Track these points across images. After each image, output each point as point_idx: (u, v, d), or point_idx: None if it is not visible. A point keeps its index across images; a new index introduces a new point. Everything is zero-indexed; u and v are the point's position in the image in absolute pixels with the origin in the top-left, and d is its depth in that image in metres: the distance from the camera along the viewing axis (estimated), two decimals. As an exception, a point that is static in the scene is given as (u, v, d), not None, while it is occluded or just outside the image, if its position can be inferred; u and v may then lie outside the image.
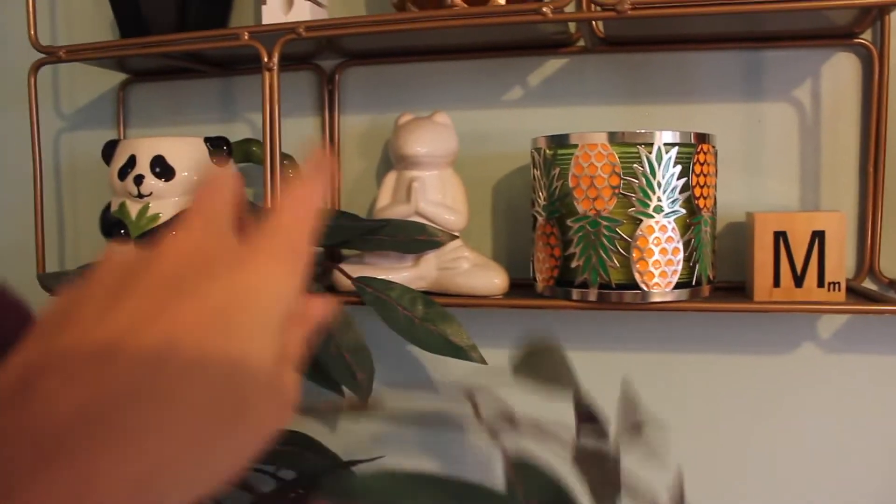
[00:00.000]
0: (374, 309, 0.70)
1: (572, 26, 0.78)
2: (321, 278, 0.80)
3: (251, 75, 0.91)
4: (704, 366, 0.82)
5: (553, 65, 0.83)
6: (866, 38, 0.76)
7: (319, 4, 0.79)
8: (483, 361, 0.69)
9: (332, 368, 0.68)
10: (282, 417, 0.29)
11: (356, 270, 0.75)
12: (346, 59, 0.87)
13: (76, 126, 0.98)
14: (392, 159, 0.79)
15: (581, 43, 0.81)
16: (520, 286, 0.77)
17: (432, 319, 0.70)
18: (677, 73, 0.80)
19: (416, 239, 0.74)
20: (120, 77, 0.95)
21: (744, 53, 0.79)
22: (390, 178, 0.79)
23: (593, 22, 0.76)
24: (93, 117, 0.97)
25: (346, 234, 0.74)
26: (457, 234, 0.76)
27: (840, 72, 0.78)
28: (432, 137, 0.76)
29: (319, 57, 0.88)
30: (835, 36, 0.77)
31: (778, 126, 0.79)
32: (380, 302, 0.71)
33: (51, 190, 0.98)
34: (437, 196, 0.76)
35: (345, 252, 0.85)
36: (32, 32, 0.80)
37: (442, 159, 0.77)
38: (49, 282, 0.81)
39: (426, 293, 0.73)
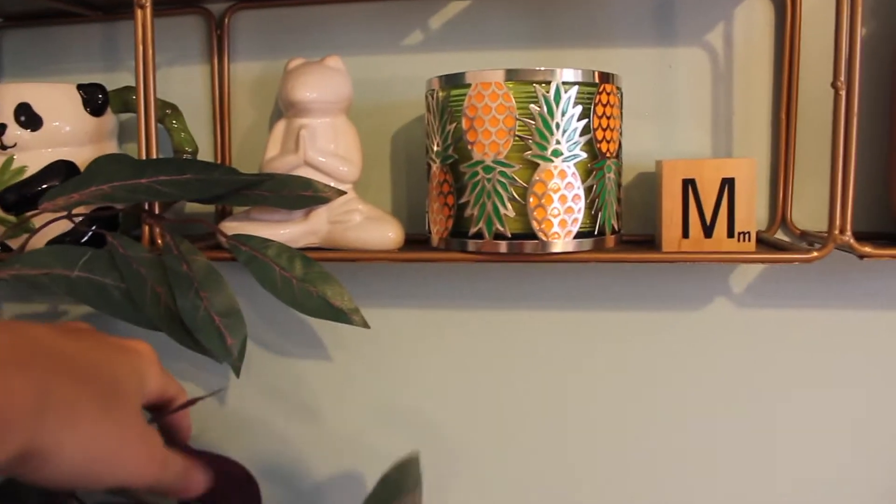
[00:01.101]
0: (248, 269, 0.65)
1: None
2: (207, 237, 0.74)
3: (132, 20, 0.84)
4: (611, 322, 0.79)
5: (455, 6, 0.78)
6: (779, -21, 0.73)
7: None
8: (365, 325, 0.65)
9: (200, 332, 0.63)
10: (149, 457, 0.43)
11: (240, 227, 0.70)
12: (235, 1, 0.81)
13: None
14: (281, 107, 0.73)
15: (485, -16, 0.76)
16: (419, 241, 0.72)
17: (312, 280, 0.65)
18: (584, 16, 0.76)
19: (300, 195, 0.68)
20: (-7, 23, 0.87)
21: (654, -5, 0.75)
22: (279, 128, 0.73)
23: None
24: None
25: (221, 188, 0.68)
26: (348, 185, 0.71)
27: (753, 16, 0.74)
28: (323, 82, 0.70)
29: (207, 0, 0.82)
30: (747, -24, 0.73)
31: (689, 71, 0.75)
32: (255, 261, 0.66)
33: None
34: (329, 145, 0.71)
35: (235, 210, 0.79)
36: None
37: (334, 106, 0.71)
38: None
39: (310, 249, 0.68)
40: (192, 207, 0.83)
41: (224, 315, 0.65)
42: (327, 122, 0.71)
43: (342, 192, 0.70)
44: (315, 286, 0.65)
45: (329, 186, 0.69)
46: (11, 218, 0.71)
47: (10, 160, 0.71)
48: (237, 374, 0.65)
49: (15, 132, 0.70)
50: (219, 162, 0.82)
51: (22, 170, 0.71)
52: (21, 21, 0.87)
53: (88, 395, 0.40)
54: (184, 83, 0.83)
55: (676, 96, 0.75)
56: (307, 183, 0.69)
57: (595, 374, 0.79)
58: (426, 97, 0.68)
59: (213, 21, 0.82)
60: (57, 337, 0.42)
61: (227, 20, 0.81)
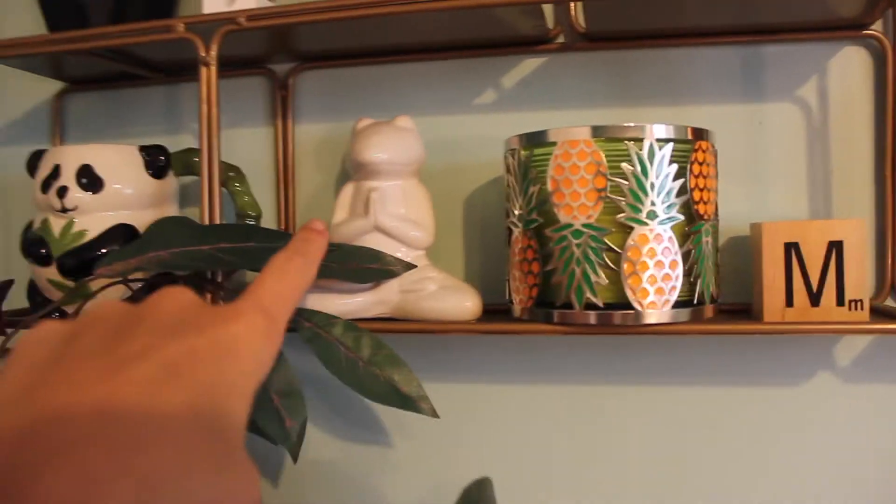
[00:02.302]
0: (311, 347, 0.61)
1: (550, 21, 0.70)
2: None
3: (196, 83, 0.82)
4: (707, 398, 0.72)
5: (529, 64, 0.75)
6: (877, 28, 0.68)
7: (268, -2, 0.71)
8: (434, 414, 0.60)
9: (258, 412, 0.58)
10: (254, 491, 0.29)
11: (308, 293, 0.66)
12: (300, 62, 0.79)
13: (8, 140, 0.89)
14: (349, 169, 0.70)
15: (560, 40, 0.73)
16: (496, 312, 0.67)
17: (379, 363, 0.60)
18: (667, 72, 0.72)
19: (368, 267, 0.64)
20: (56, 86, 0.86)
21: (741, 49, 0.71)
22: (347, 191, 0.70)
23: (573, 14, 0.68)
24: (26, 130, 0.88)
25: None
26: (420, 252, 0.67)
27: (849, 67, 0.69)
28: (393, 143, 0.67)
29: (272, 60, 0.80)
30: (842, 28, 0.69)
31: (781, 128, 0.70)
32: (319, 339, 0.61)
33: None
34: (400, 209, 0.67)
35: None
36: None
37: (405, 168, 0.68)
38: None
39: (381, 320, 0.64)
40: (253, 276, 0.80)
41: (283, 395, 0.60)
42: (398, 185, 0.68)
43: (412, 266, 0.65)
44: (382, 370, 0.61)
45: (398, 259, 0.65)
46: (69, 283, 0.68)
47: (70, 223, 0.68)
48: (294, 459, 0.61)
49: (76, 194, 0.68)
50: (283, 226, 0.79)
51: (82, 234, 0.68)
52: (85, 84, 0.86)
53: (192, 460, 0.27)
54: (247, 145, 0.80)
55: (768, 155, 0.71)
56: (375, 255, 0.65)
57: (687, 454, 0.73)
58: (505, 157, 0.64)
59: (277, 82, 0.80)
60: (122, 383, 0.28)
61: (291, 81, 0.79)
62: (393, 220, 0.66)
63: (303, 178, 0.79)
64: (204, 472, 0.27)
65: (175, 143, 0.75)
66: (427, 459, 0.78)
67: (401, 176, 0.68)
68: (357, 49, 0.76)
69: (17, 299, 0.74)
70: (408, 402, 0.60)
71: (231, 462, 0.28)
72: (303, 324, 0.63)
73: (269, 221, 0.79)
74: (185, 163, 0.73)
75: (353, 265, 0.64)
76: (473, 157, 0.75)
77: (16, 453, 0.25)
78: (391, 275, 0.65)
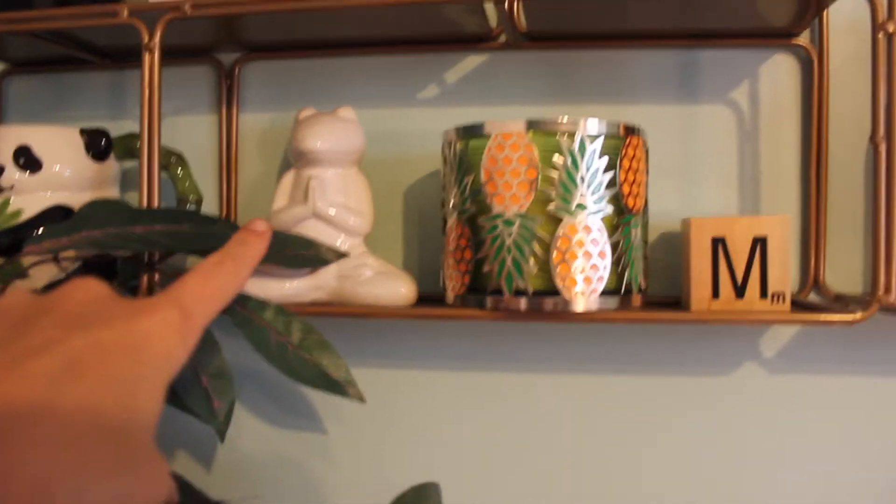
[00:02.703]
0: (242, 332, 0.61)
1: (493, 20, 0.72)
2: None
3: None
4: (634, 387, 0.74)
5: (472, 61, 0.76)
6: (804, 38, 0.71)
7: (215, -15, 0.71)
8: (361, 399, 0.60)
9: (186, 393, 0.59)
10: (160, 488, 0.29)
11: (245, 278, 0.66)
12: (246, 52, 0.79)
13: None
14: (290, 158, 0.70)
15: (502, 38, 0.75)
16: (432, 300, 0.68)
17: (308, 348, 0.61)
18: (606, 73, 0.74)
19: (301, 254, 0.65)
20: (-2, 68, 0.85)
21: (678, 52, 0.73)
22: (287, 178, 0.70)
23: (515, 13, 0.69)
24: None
25: (219, 242, 0.63)
26: (358, 239, 0.68)
27: (779, 74, 0.72)
28: (334, 132, 0.68)
29: (217, 50, 0.80)
30: (772, 35, 0.71)
31: (713, 129, 0.73)
32: (250, 324, 0.61)
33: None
34: (339, 197, 0.68)
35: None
36: None
37: (345, 157, 0.68)
38: None
39: (318, 304, 0.65)
40: (192, 260, 0.80)
41: (212, 377, 0.60)
42: (338, 174, 0.68)
43: (344, 255, 0.66)
44: (311, 354, 0.61)
45: (331, 249, 0.65)
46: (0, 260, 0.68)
47: (6, 202, 0.68)
48: (221, 438, 0.61)
49: (13, 174, 0.68)
50: (224, 213, 0.79)
51: (18, 213, 0.68)
52: (27, 67, 0.85)
53: (89, 460, 0.27)
54: (191, 132, 0.80)
55: (701, 154, 0.73)
56: (309, 243, 0.65)
57: (615, 441, 0.74)
58: (442, 149, 0.65)
59: (223, 71, 0.80)
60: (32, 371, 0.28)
61: (237, 70, 0.79)
62: (332, 208, 0.67)
63: (245, 166, 0.80)
64: (102, 471, 0.26)
65: (118, 129, 0.74)
66: (359, 445, 0.79)
67: (341, 165, 0.68)
68: (303, 41, 0.77)
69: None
70: (336, 387, 0.61)
71: (133, 461, 0.28)
72: (234, 308, 0.63)
73: (211, 208, 0.79)
74: (127, 147, 0.73)
75: (288, 251, 0.65)
76: (414, 149, 0.76)
77: None
78: (324, 262, 0.65)
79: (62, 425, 0.26)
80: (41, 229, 0.67)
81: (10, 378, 0.26)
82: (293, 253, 0.65)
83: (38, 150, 0.68)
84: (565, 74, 0.75)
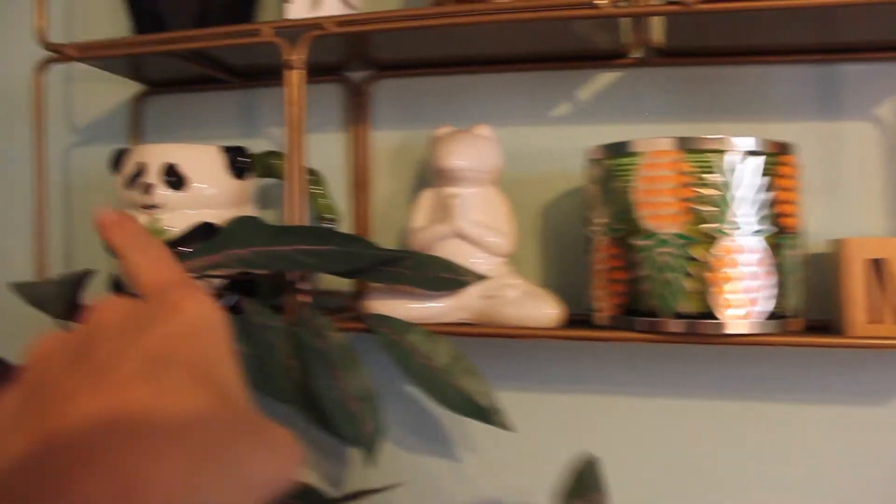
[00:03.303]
0: (388, 353, 0.61)
1: (626, 36, 0.71)
2: (341, 310, 0.71)
3: (275, 87, 0.84)
4: (789, 414, 0.72)
5: (605, 78, 0.76)
6: (958, 51, 0.69)
7: (350, 5, 0.72)
8: (507, 427, 0.60)
9: (335, 416, 0.59)
10: (281, 469, 0.27)
11: (385, 298, 0.67)
12: (376, 70, 0.80)
13: (88, 140, 0.91)
14: (429, 176, 0.71)
15: (636, 54, 0.74)
16: (574, 322, 0.67)
17: (455, 373, 0.61)
18: (743, 89, 0.73)
19: (440, 276, 0.65)
20: (135, 88, 0.88)
21: (819, 67, 0.72)
22: (426, 197, 0.71)
23: (650, 30, 0.68)
24: (105, 131, 0.90)
25: (362, 262, 0.65)
26: (500, 259, 0.68)
27: (927, 89, 0.70)
28: (474, 150, 0.68)
29: (348, 67, 0.81)
30: (921, 49, 0.69)
31: (858, 146, 0.71)
32: (395, 346, 0.62)
33: (59, 206, 0.91)
34: (480, 216, 0.68)
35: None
36: (41, 30, 0.74)
37: (485, 175, 0.69)
38: (22, 291, 0.73)
39: (461, 325, 0.64)
40: (324, 277, 0.81)
41: (360, 399, 0.61)
42: (478, 193, 0.69)
43: (483, 277, 0.66)
44: (458, 380, 0.61)
45: (470, 270, 0.65)
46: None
47: (155, 220, 0.70)
48: (369, 462, 0.61)
49: (161, 192, 0.69)
50: (357, 231, 0.80)
51: (165, 231, 0.70)
52: (163, 87, 0.88)
53: (223, 434, 0.26)
54: (323, 150, 0.81)
55: (844, 172, 0.71)
56: (448, 265, 0.65)
57: (764, 468, 0.72)
58: (586, 167, 0.65)
59: (354, 89, 0.81)
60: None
61: (368, 88, 0.80)
62: (474, 227, 0.67)
63: (377, 183, 0.81)
64: (222, 463, 0.25)
65: (250, 147, 0.76)
66: (496, 468, 0.78)
67: (481, 183, 0.69)
68: (432, 59, 0.77)
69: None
70: (482, 414, 0.61)
71: (258, 426, 0.27)
72: (379, 329, 0.63)
73: (343, 226, 0.80)
74: (265, 165, 0.75)
75: (427, 273, 0.65)
76: (547, 167, 0.76)
77: (46, 463, 0.23)
78: (462, 285, 0.66)
79: (168, 428, 0.25)
80: (191, 247, 0.68)
81: (99, 392, 0.25)
82: (433, 275, 0.65)
83: (184, 168, 0.70)
84: (700, 91, 0.74)
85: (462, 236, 0.67)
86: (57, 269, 0.86)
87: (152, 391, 0.25)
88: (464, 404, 0.61)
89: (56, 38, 0.75)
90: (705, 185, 0.58)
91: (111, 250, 0.35)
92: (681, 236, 0.58)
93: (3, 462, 0.24)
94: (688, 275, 0.58)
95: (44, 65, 0.75)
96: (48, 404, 0.25)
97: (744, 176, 0.58)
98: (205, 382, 0.27)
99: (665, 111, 0.74)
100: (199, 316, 0.30)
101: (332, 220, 0.75)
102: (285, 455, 0.28)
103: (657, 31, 0.70)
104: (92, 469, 0.23)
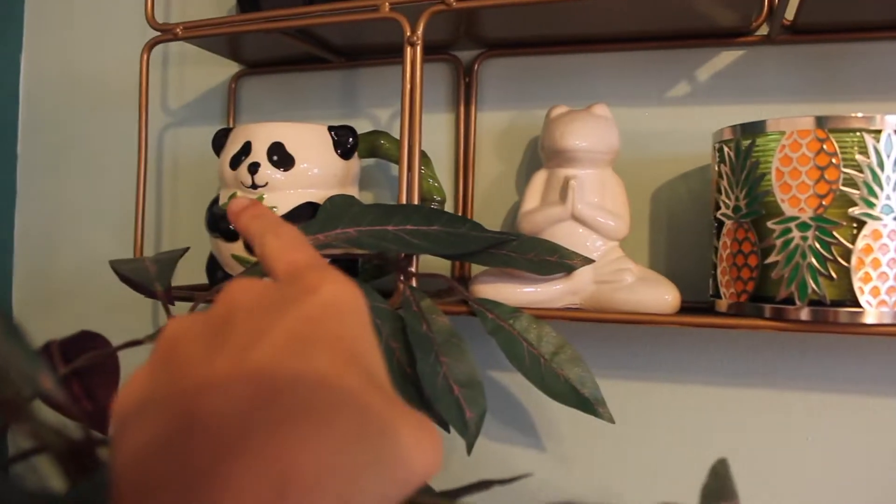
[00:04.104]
0: (495, 339, 0.59)
1: (754, 11, 0.67)
2: (443, 293, 0.69)
3: (375, 67, 0.83)
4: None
5: (726, 57, 0.72)
6: None
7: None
8: (611, 420, 0.58)
9: (438, 401, 0.57)
10: (431, 460, 0.25)
11: (494, 281, 0.65)
12: (485, 49, 0.78)
13: (183, 122, 0.91)
14: (542, 156, 0.68)
15: (761, 32, 0.70)
16: (689, 309, 0.64)
17: (560, 362, 0.58)
18: (873, 66, 0.68)
19: (546, 259, 0.63)
20: (232, 69, 0.87)
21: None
22: (539, 178, 0.68)
23: (782, 3, 0.65)
24: (201, 113, 0.90)
25: (470, 244, 0.62)
26: (614, 243, 0.65)
27: None
28: (592, 131, 0.65)
29: (456, 47, 0.79)
30: None
31: None
32: (502, 332, 0.60)
33: (152, 187, 0.91)
34: (596, 198, 0.65)
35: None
36: (149, 10, 0.73)
37: (602, 156, 0.66)
38: (119, 266, 0.72)
39: (572, 310, 0.62)
40: (426, 258, 0.79)
41: (464, 385, 0.59)
42: (594, 174, 0.66)
43: (590, 261, 0.63)
44: (563, 369, 0.59)
45: (577, 254, 0.63)
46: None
47: (260, 199, 0.69)
48: (469, 451, 0.59)
49: (267, 171, 0.68)
50: (461, 212, 0.78)
51: (273, 210, 0.68)
52: (260, 68, 0.87)
53: (355, 439, 0.24)
54: (429, 130, 0.79)
55: None
56: (553, 248, 0.63)
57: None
58: (716, 148, 0.61)
59: (461, 69, 0.79)
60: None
61: (476, 68, 0.78)
62: (591, 209, 0.64)
63: (483, 164, 0.78)
64: (388, 425, 0.24)
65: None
66: (601, 458, 0.75)
67: (598, 165, 0.66)
68: (543, 37, 0.75)
69: (195, 274, 0.75)
70: (586, 405, 0.58)
71: (406, 413, 0.26)
72: (485, 314, 0.61)
73: (447, 207, 0.78)
74: (372, 145, 0.73)
75: (532, 256, 0.63)
76: (663, 149, 0.73)
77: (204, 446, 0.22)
78: (570, 268, 0.63)
79: (318, 409, 0.23)
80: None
81: (242, 370, 0.24)
82: (537, 258, 0.63)
83: (290, 147, 0.69)
84: (827, 69, 0.70)
85: (578, 219, 0.64)
86: (147, 251, 0.86)
87: (299, 369, 0.24)
88: (568, 394, 0.59)
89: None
90: (853, 166, 0.54)
91: (245, 237, 0.34)
92: (823, 219, 0.54)
93: (140, 439, 0.23)
94: (828, 260, 0.54)
95: (152, 45, 0.74)
96: (186, 382, 0.24)
97: None
98: (352, 363, 0.25)
99: (788, 92, 0.70)
100: (338, 297, 0.28)
101: (438, 202, 0.73)
102: (434, 444, 0.26)
103: (791, 5, 0.66)
104: (241, 454, 0.21)
